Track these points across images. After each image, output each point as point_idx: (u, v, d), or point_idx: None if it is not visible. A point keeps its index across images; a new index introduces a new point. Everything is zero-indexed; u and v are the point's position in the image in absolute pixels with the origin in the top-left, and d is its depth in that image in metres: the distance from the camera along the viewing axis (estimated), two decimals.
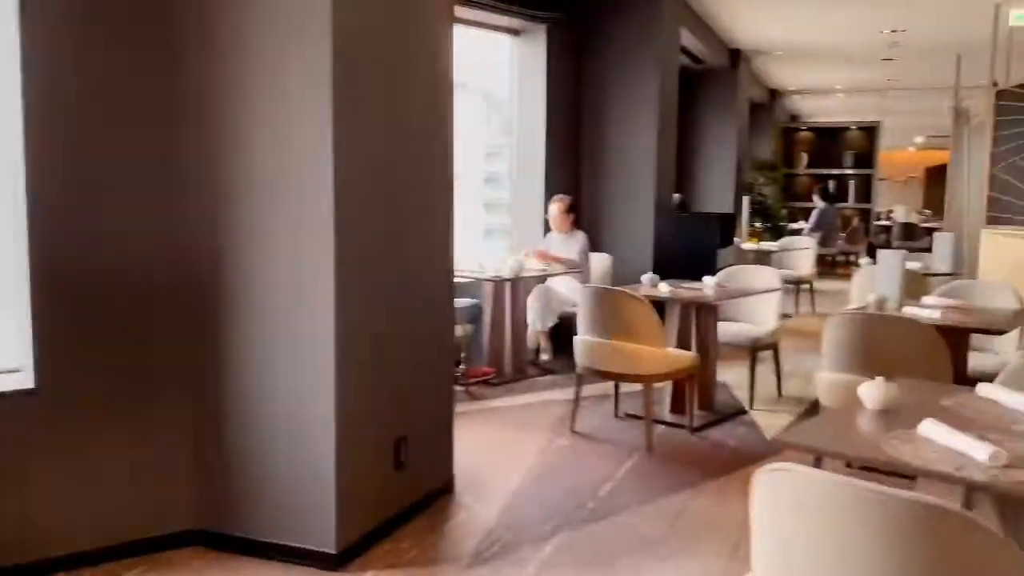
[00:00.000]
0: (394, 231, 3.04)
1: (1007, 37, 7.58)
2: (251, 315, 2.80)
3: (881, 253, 4.15)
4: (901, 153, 21.76)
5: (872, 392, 2.11)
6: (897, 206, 16.51)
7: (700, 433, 4.44)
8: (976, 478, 1.62)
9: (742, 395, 5.13)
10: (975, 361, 3.98)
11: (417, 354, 3.24)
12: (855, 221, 13.23)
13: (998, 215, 7.34)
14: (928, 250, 12.40)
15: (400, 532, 3.07)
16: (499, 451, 4.11)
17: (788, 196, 13.66)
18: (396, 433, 3.10)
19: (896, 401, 2.10)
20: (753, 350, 4.97)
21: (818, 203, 11.67)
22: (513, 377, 5.56)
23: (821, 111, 16.27)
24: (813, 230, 11.38)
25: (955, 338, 3.61)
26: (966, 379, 3.65)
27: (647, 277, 4.91)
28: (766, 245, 8.62)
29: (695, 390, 4.48)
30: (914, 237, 13.28)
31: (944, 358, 3.25)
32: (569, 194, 6.17)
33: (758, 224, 10.67)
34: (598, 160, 6.72)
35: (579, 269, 5.84)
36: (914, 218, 15.05)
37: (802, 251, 8.93)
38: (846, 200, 13.62)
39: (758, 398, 5.09)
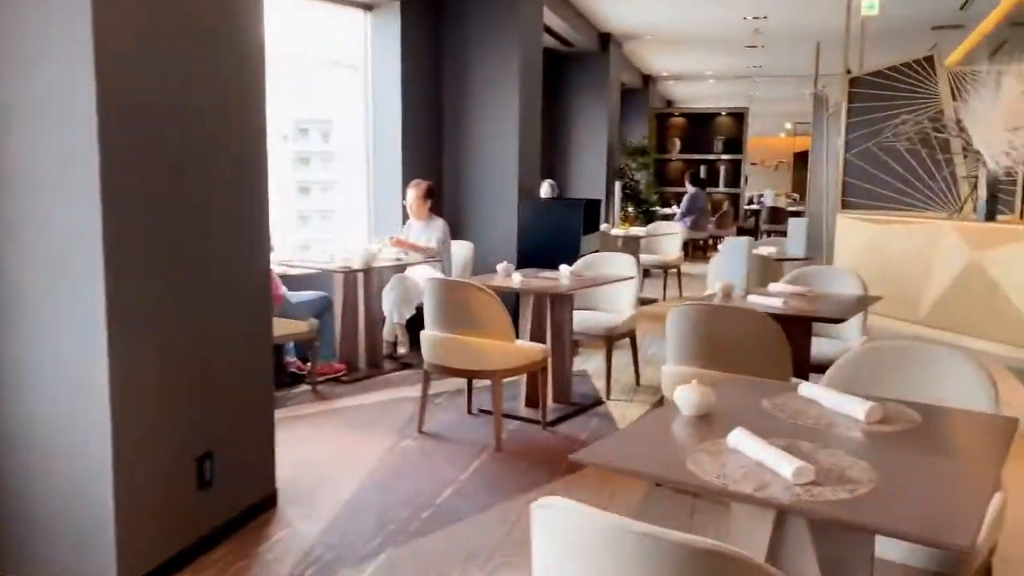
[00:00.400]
0: (187, 220, 2.68)
1: (860, 26, 7.80)
2: (4, 326, 2.40)
3: (727, 240, 4.10)
4: (772, 139, 22.57)
5: (687, 397, 1.95)
6: (767, 190, 17.06)
7: (553, 428, 4.29)
8: (778, 498, 1.46)
9: (602, 385, 5.03)
10: (823, 348, 3.99)
11: (226, 357, 2.91)
12: (725, 205, 13.54)
13: (851, 199, 7.57)
14: None
15: (205, 559, 2.75)
16: (337, 457, 3.82)
17: (662, 181, 13.84)
18: (199, 449, 2.76)
19: (713, 405, 1.95)
20: (609, 339, 4.86)
21: (689, 188, 11.84)
22: (367, 373, 5.26)
23: (694, 97, 16.59)
24: (684, 215, 11.54)
25: (796, 326, 3.57)
26: (809, 368, 3.65)
27: (501, 266, 4.72)
28: (635, 230, 8.62)
29: (547, 383, 4.33)
30: (781, 220, 13.70)
31: (783, 348, 3.18)
32: (430, 179, 5.90)
33: (631, 209, 10.71)
34: (460, 143, 6.47)
35: (438, 257, 5.59)
36: (782, 202, 15.56)
37: (670, 236, 8.99)
38: (717, 185, 13.92)
39: (616, 388, 5.00)
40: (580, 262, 5.23)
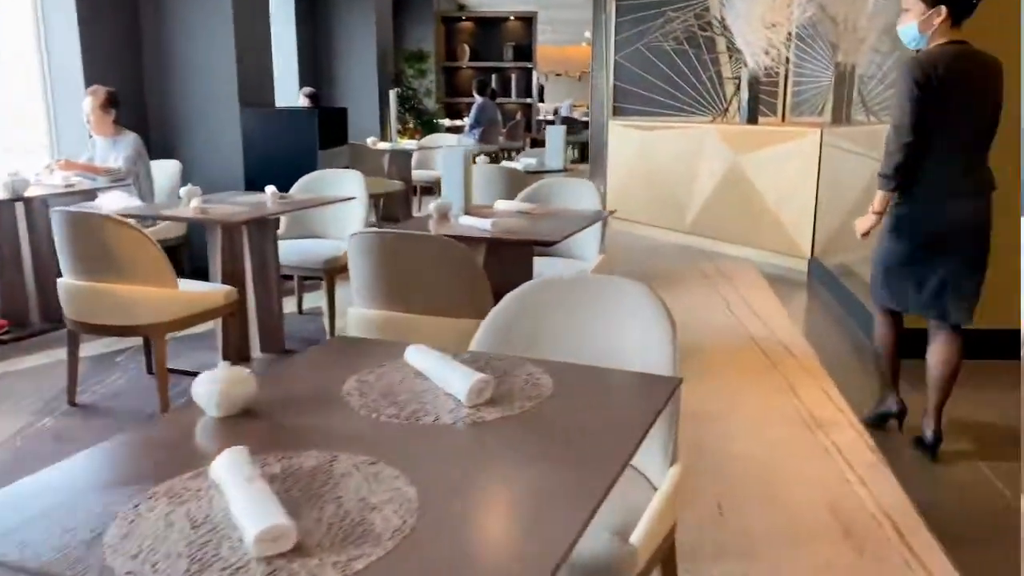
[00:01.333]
0: None
1: None
2: None
3: (444, 151, 3.46)
4: (575, 48, 22.23)
5: (206, 389, 1.28)
6: (565, 101, 16.74)
7: None
8: None
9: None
10: (555, 272, 3.48)
11: None
12: (518, 116, 13.00)
13: (623, 105, 7.18)
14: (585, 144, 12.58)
15: None
16: None
17: (453, 92, 13.05)
18: None
19: (251, 398, 1.30)
20: (330, 272, 4.14)
21: (477, 98, 11.15)
22: (41, 328, 4.27)
23: (487, 2, 15.74)
24: (473, 126, 10.87)
25: (513, 251, 3.03)
26: None
27: (185, 190, 3.85)
28: (406, 144, 7.86)
29: (243, 332, 3.60)
30: (575, 131, 13.38)
31: (480, 281, 2.60)
32: (123, 85, 4.82)
33: (411, 122, 9.90)
34: (164, 43, 5.37)
35: (125, 180, 4.59)
36: (577, 113, 15.27)
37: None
38: (509, 95, 13.31)
39: (341, 328, 4.33)
40: (299, 183, 4.43)
